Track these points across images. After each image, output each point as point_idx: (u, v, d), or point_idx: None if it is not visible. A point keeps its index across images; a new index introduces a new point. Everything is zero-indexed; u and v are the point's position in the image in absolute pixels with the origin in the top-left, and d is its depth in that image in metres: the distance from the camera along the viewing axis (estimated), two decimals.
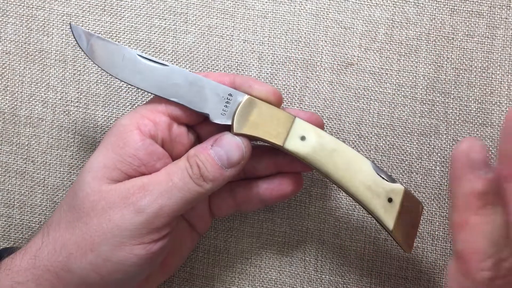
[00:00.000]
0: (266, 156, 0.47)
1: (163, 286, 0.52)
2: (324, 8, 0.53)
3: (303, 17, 0.53)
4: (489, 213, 0.36)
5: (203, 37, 0.53)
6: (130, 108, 0.52)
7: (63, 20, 0.53)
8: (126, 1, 0.53)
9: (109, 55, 0.44)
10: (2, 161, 0.52)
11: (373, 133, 0.52)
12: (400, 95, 0.52)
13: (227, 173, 0.42)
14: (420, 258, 0.51)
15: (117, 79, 0.52)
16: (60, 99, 0.52)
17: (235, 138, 0.43)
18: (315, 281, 0.52)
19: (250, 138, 0.43)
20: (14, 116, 0.52)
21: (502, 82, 0.52)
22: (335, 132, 0.52)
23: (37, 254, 0.41)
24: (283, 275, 0.52)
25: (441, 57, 0.52)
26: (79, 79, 0.53)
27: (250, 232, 0.52)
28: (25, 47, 0.53)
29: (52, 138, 0.52)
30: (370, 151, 0.52)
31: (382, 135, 0.52)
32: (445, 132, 0.51)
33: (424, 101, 0.52)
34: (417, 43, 0.52)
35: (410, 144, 0.51)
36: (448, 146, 0.51)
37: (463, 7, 0.52)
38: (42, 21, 0.53)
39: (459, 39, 0.52)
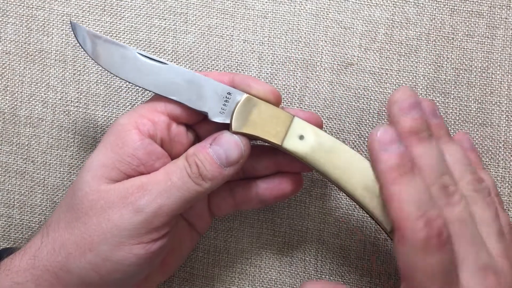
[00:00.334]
0: (265, 155, 0.47)
1: (163, 286, 0.52)
2: (324, 8, 0.53)
3: (303, 17, 0.53)
4: (408, 180, 0.39)
5: (203, 37, 0.53)
6: (130, 108, 0.52)
7: (63, 20, 0.53)
8: (126, 1, 0.53)
9: (108, 53, 0.44)
10: (2, 161, 0.52)
11: None
12: None
13: (226, 172, 0.42)
14: None
15: (117, 79, 0.52)
16: (60, 99, 0.52)
17: (234, 136, 0.43)
18: None
19: (249, 137, 0.43)
20: (14, 116, 0.52)
21: (502, 82, 0.52)
22: (335, 132, 0.52)
23: (37, 254, 0.41)
24: (283, 275, 0.52)
25: (441, 57, 0.52)
26: (79, 79, 0.53)
27: (250, 232, 0.52)
28: (25, 47, 0.53)
29: (52, 138, 0.52)
30: None
31: None
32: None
33: None
34: (417, 43, 0.52)
35: None
36: None
37: (463, 7, 0.52)
38: (42, 21, 0.53)
39: (459, 39, 0.52)
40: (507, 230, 0.43)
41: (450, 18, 0.52)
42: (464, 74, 0.52)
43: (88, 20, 0.53)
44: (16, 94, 0.53)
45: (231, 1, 0.53)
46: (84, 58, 0.52)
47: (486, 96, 0.51)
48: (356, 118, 0.52)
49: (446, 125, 0.46)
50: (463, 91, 0.52)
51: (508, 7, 0.52)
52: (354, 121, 0.52)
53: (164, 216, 0.40)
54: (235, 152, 0.42)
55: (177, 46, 0.53)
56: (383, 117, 0.52)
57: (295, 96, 0.52)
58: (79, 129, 0.52)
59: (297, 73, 0.52)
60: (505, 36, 0.52)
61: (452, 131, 0.51)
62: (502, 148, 0.51)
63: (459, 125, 0.51)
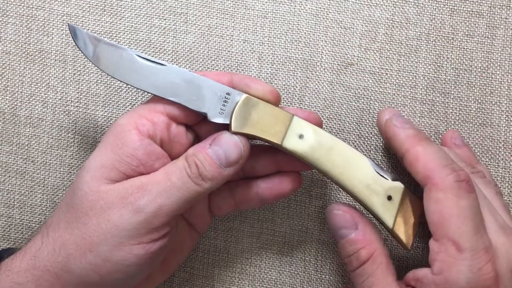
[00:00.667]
0: (265, 155, 0.47)
1: (163, 286, 0.52)
2: (324, 8, 0.53)
3: (303, 17, 0.52)
4: (428, 142, 0.44)
5: (203, 37, 0.53)
6: (130, 108, 0.52)
7: (63, 20, 0.53)
8: (126, 1, 0.53)
9: (107, 55, 0.44)
10: (2, 161, 0.52)
11: (373, 133, 0.52)
12: (400, 95, 0.52)
13: (226, 172, 0.42)
14: (420, 258, 0.51)
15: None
16: (60, 99, 0.52)
17: (233, 137, 0.43)
18: (315, 281, 0.52)
19: (249, 137, 0.43)
20: (14, 116, 0.52)
21: (502, 82, 0.51)
22: (335, 132, 0.52)
23: (37, 254, 0.41)
24: (283, 275, 0.52)
25: (441, 57, 0.52)
26: (79, 79, 0.53)
27: (250, 232, 0.52)
28: (25, 47, 0.53)
29: (52, 138, 0.52)
30: (370, 151, 0.52)
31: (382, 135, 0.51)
32: (445, 132, 0.51)
33: (424, 101, 0.52)
34: (417, 43, 0.52)
35: None
36: None
37: (463, 7, 0.52)
38: (42, 21, 0.53)
39: (459, 39, 0.52)
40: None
41: (450, 18, 0.52)
42: (464, 74, 0.52)
43: (88, 20, 0.53)
44: (16, 94, 0.53)
45: (231, 1, 0.53)
46: (84, 58, 0.52)
47: (486, 96, 0.51)
48: (356, 118, 0.52)
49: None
50: (463, 91, 0.52)
51: (508, 7, 0.52)
52: (354, 121, 0.52)
53: (164, 216, 0.40)
54: (234, 153, 0.42)
55: (177, 46, 0.53)
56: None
57: (295, 96, 0.52)
58: (79, 129, 0.52)
59: (297, 73, 0.52)
60: (505, 36, 0.52)
61: None
62: (502, 148, 0.51)
63: (459, 125, 0.51)
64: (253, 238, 0.52)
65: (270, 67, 0.52)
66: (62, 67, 0.53)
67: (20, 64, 0.53)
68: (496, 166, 0.51)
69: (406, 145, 0.44)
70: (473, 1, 0.52)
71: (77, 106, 0.52)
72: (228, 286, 0.52)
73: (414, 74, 0.52)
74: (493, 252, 0.40)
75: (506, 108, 0.51)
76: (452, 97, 0.51)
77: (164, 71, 0.44)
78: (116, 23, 0.53)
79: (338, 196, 0.52)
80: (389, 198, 0.43)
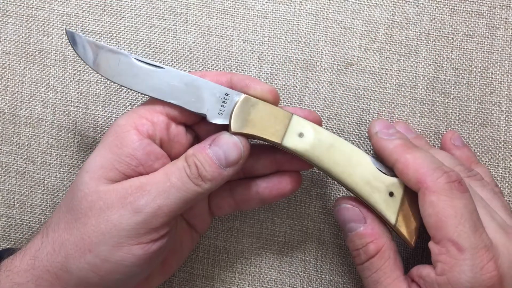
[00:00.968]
0: (264, 154, 0.47)
1: (163, 286, 0.52)
2: (324, 8, 0.53)
3: (303, 17, 0.52)
4: (417, 149, 0.44)
5: (203, 37, 0.53)
6: (129, 108, 0.52)
7: (63, 20, 0.53)
8: (126, 1, 0.53)
9: (105, 59, 0.44)
10: (2, 161, 0.52)
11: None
12: (400, 95, 0.52)
13: (226, 172, 0.42)
14: (420, 258, 0.51)
15: None
16: (60, 99, 0.52)
17: (233, 137, 0.43)
18: (315, 281, 0.52)
19: (248, 137, 0.43)
20: (14, 116, 0.52)
21: (502, 82, 0.51)
22: (335, 132, 0.52)
23: (37, 255, 0.41)
24: (283, 275, 0.52)
25: (441, 57, 0.52)
26: (79, 79, 0.53)
27: (250, 232, 0.52)
28: (25, 47, 0.53)
29: (52, 138, 0.52)
30: (370, 151, 0.52)
31: None
32: (445, 132, 0.51)
33: (424, 101, 0.52)
34: (417, 43, 0.52)
35: None
36: None
37: (463, 7, 0.52)
38: (42, 21, 0.53)
39: (459, 39, 0.52)
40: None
41: (450, 18, 0.52)
42: (464, 74, 0.52)
43: (88, 20, 0.53)
44: (16, 94, 0.53)
45: (231, 1, 0.53)
46: None
47: (486, 96, 0.51)
48: (356, 118, 0.52)
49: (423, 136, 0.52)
50: (463, 91, 0.52)
51: (508, 7, 0.52)
52: (354, 121, 0.52)
53: (163, 216, 0.40)
54: (234, 153, 0.42)
55: (177, 46, 0.53)
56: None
57: (295, 96, 0.52)
58: (79, 129, 0.52)
59: (297, 73, 0.52)
60: (505, 36, 0.52)
61: None
62: (502, 148, 0.51)
63: (459, 125, 0.51)
64: (253, 238, 0.52)
65: (270, 67, 0.52)
66: (62, 67, 0.53)
67: (20, 64, 0.53)
68: (496, 166, 0.51)
69: (395, 155, 0.44)
70: (473, 1, 0.52)
71: (77, 106, 0.52)
72: (228, 286, 0.52)
73: (414, 74, 0.52)
74: (494, 251, 0.40)
75: (506, 108, 0.51)
76: (452, 97, 0.51)
77: (162, 74, 0.44)
78: (116, 23, 0.53)
79: (338, 196, 0.52)
80: (391, 194, 0.43)
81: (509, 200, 0.51)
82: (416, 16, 0.52)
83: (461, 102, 0.51)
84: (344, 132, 0.52)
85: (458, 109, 0.51)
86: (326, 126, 0.52)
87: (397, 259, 0.44)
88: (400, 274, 0.43)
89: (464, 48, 0.52)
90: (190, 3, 0.53)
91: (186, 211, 0.44)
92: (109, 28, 0.53)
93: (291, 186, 0.47)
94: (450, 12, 0.52)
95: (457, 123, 0.51)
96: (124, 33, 0.53)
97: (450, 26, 0.52)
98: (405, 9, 0.52)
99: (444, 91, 0.52)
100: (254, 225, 0.52)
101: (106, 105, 0.52)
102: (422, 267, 0.43)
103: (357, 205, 0.44)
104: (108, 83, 0.52)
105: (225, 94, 0.44)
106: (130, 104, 0.52)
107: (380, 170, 0.44)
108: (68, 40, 0.47)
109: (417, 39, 0.52)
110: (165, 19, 0.53)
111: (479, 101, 0.51)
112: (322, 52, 0.52)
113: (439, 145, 0.51)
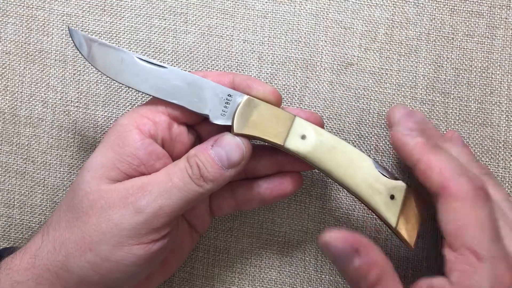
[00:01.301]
0: (266, 155, 0.47)
1: (163, 286, 0.52)
2: (324, 8, 0.53)
3: (303, 17, 0.53)
4: (440, 150, 0.43)
5: (203, 37, 0.53)
6: (130, 108, 0.52)
7: (63, 20, 0.53)
8: (126, 1, 0.53)
9: (107, 58, 0.44)
10: (2, 161, 0.52)
11: (373, 133, 0.52)
12: (400, 95, 0.52)
13: (228, 173, 0.42)
14: (420, 258, 0.51)
15: None
16: (60, 99, 0.52)
17: (235, 138, 0.43)
18: (315, 281, 0.52)
19: (250, 138, 0.43)
20: (14, 116, 0.52)
21: (502, 82, 0.52)
22: (335, 132, 0.52)
23: (37, 253, 0.41)
24: (283, 275, 0.52)
25: (441, 57, 0.52)
26: (79, 79, 0.53)
27: (250, 232, 0.52)
28: (25, 47, 0.53)
29: (52, 138, 0.52)
30: (370, 151, 0.52)
31: (382, 135, 0.52)
32: (445, 132, 0.51)
33: (424, 101, 0.52)
34: (417, 43, 0.52)
35: None
36: None
37: (463, 7, 0.52)
38: (42, 21, 0.53)
39: (459, 39, 0.52)
40: None
41: (450, 18, 0.52)
42: (464, 74, 0.52)
43: (88, 20, 0.53)
44: (16, 94, 0.52)
45: (231, 1, 0.53)
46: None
47: (486, 96, 0.51)
48: (356, 118, 0.52)
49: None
50: (463, 91, 0.52)
51: (508, 7, 0.52)
52: (354, 121, 0.52)
53: (165, 217, 0.40)
54: (236, 154, 0.42)
55: (177, 46, 0.53)
56: (383, 117, 0.52)
57: (295, 96, 0.52)
58: (79, 129, 0.52)
59: (297, 73, 0.52)
60: (505, 36, 0.52)
61: None
62: (502, 148, 0.51)
63: (459, 125, 0.51)
64: (253, 238, 0.52)
65: (270, 67, 0.52)
66: (62, 67, 0.53)
67: (20, 64, 0.53)
68: (496, 166, 0.51)
69: (417, 154, 0.43)
70: (473, 1, 0.52)
71: (77, 106, 0.52)
72: (228, 286, 0.52)
73: (414, 74, 0.52)
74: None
75: (506, 108, 0.51)
76: (452, 97, 0.52)
77: (165, 74, 0.44)
78: (116, 23, 0.53)
79: (338, 196, 0.52)
80: (392, 197, 0.43)
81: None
82: (416, 16, 0.52)
83: (461, 102, 0.51)
84: (344, 132, 0.52)
85: (458, 109, 0.51)
86: (326, 126, 0.52)
87: (396, 278, 0.41)
88: None
89: (464, 48, 0.52)
90: (190, 3, 0.53)
91: (187, 211, 0.44)
92: (109, 28, 0.53)
93: (292, 187, 0.47)
94: (450, 12, 0.52)
95: (457, 123, 0.51)
96: (124, 33, 0.53)
97: (450, 26, 0.52)
98: (405, 9, 0.52)
99: (444, 91, 0.52)
100: (254, 225, 0.52)
101: (106, 105, 0.52)
102: (432, 278, 0.41)
103: (344, 236, 0.40)
104: (108, 83, 0.52)
105: (228, 95, 0.44)
106: (130, 104, 0.52)
107: (382, 173, 0.44)
108: (69, 34, 0.47)
109: (417, 39, 0.52)
110: (165, 19, 0.53)
111: (479, 101, 0.52)
112: (322, 52, 0.52)
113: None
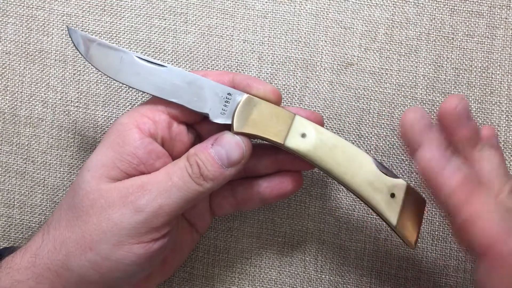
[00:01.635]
0: (266, 154, 0.47)
1: (163, 286, 0.52)
2: (324, 8, 0.53)
3: (303, 17, 0.53)
4: (481, 197, 0.37)
5: (203, 37, 0.53)
6: (130, 108, 0.52)
7: (63, 20, 0.53)
8: (126, 1, 0.53)
9: (107, 58, 0.44)
10: (2, 161, 0.52)
11: (373, 133, 0.52)
12: (400, 95, 0.52)
13: (228, 172, 0.42)
14: (420, 258, 0.51)
15: None
16: (60, 99, 0.52)
17: (235, 137, 0.43)
18: (315, 281, 0.51)
19: (251, 136, 0.43)
20: (14, 116, 0.52)
21: (502, 82, 0.52)
22: (335, 132, 0.52)
23: (37, 252, 0.41)
24: (283, 275, 0.52)
25: (441, 57, 0.52)
26: (79, 79, 0.53)
27: (250, 232, 0.52)
28: (25, 47, 0.53)
29: (52, 138, 0.52)
30: (370, 151, 0.52)
31: (382, 135, 0.52)
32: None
33: (424, 101, 0.52)
34: (417, 43, 0.52)
35: None
36: None
37: (463, 7, 0.52)
38: (42, 21, 0.53)
39: (459, 39, 0.52)
40: None
41: (450, 18, 0.52)
42: (464, 74, 0.52)
43: (88, 20, 0.53)
44: (16, 94, 0.52)
45: (231, 1, 0.53)
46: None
47: (486, 96, 0.52)
48: (356, 118, 0.52)
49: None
50: (463, 91, 0.52)
51: (508, 7, 0.52)
52: (354, 121, 0.52)
53: (165, 216, 0.40)
54: (236, 153, 0.42)
55: (177, 46, 0.53)
56: (383, 117, 0.52)
57: (295, 96, 0.52)
58: (79, 129, 0.52)
59: (297, 73, 0.52)
60: (505, 36, 0.52)
61: None
62: (502, 148, 0.51)
63: None
64: (253, 238, 0.52)
65: (270, 67, 0.52)
66: (62, 67, 0.53)
67: (20, 64, 0.53)
68: None
69: (454, 201, 0.37)
70: (473, 1, 0.52)
71: (77, 106, 0.52)
72: (228, 286, 0.52)
73: (414, 74, 0.52)
74: None
75: (506, 108, 0.51)
76: None
77: (165, 73, 0.44)
78: (116, 23, 0.53)
79: (338, 196, 0.52)
80: (392, 195, 0.43)
81: None
82: (416, 16, 0.52)
83: None
84: (344, 132, 0.52)
85: None
86: (327, 126, 0.52)
87: None
88: None
89: (464, 48, 0.52)
90: (190, 3, 0.53)
91: (187, 210, 0.44)
92: (109, 28, 0.53)
93: (292, 186, 0.47)
94: (450, 12, 0.52)
95: None
96: (124, 33, 0.53)
97: (450, 26, 0.52)
98: (405, 9, 0.52)
99: (444, 91, 0.52)
100: (254, 225, 0.52)
101: (106, 105, 0.52)
102: None
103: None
104: (108, 83, 0.52)
105: (228, 94, 0.44)
106: (130, 103, 0.52)
107: (382, 171, 0.44)
108: (69, 38, 0.47)
109: (417, 39, 0.52)
110: (165, 19, 0.53)
111: (479, 101, 0.52)
112: (322, 52, 0.52)
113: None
